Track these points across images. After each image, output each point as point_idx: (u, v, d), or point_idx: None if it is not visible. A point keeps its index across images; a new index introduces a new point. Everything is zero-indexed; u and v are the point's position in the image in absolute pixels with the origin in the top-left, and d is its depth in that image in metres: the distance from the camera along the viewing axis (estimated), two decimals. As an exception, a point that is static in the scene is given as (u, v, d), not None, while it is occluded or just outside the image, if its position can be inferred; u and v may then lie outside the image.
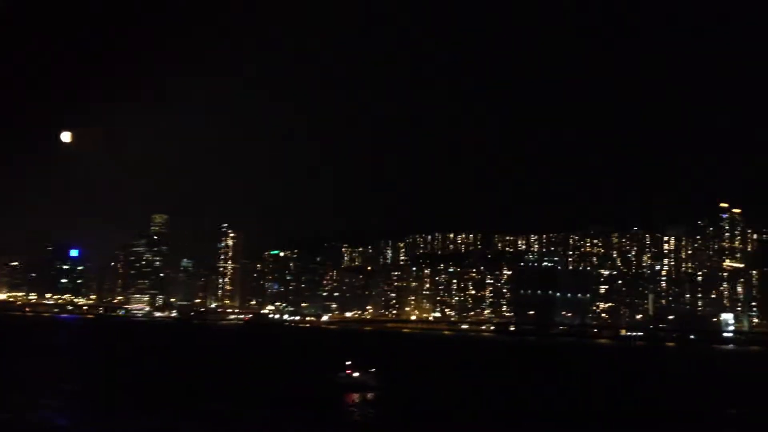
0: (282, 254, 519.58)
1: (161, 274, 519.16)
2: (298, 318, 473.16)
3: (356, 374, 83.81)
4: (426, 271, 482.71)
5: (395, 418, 64.27)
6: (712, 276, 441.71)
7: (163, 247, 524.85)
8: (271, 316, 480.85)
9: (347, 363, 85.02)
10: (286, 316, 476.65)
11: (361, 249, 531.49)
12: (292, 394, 76.95)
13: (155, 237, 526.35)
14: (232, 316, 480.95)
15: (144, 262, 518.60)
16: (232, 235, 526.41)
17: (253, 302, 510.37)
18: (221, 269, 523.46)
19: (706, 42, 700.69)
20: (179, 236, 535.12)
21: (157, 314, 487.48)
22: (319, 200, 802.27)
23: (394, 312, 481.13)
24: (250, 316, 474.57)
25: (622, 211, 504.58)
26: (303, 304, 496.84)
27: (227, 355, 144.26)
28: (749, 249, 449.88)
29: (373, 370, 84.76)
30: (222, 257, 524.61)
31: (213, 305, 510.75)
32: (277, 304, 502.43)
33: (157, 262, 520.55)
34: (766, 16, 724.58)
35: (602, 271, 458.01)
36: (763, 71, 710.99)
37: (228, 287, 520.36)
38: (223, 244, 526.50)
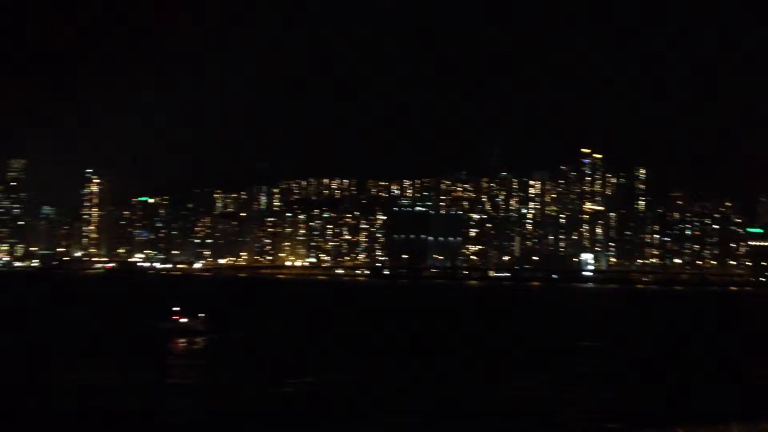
0: (151, 201, 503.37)
1: (20, 222, 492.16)
2: (169, 266, 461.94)
3: (184, 320, 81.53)
4: (301, 217, 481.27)
5: (216, 363, 63.19)
6: (574, 218, 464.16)
7: (21, 194, 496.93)
8: (140, 264, 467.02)
9: (174, 309, 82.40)
10: (156, 265, 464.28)
11: (234, 195, 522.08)
12: (108, 343, 73.98)
13: (12, 183, 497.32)
14: (99, 265, 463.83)
15: (2, 210, 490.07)
16: (97, 180, 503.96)
17: (122, 251, 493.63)
18: (86, 216, 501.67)
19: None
20: (39, 182, 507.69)
21: (17, 264, 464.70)
22: (190, 145, 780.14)
23: (269, 258, 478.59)
24: (113, 265, 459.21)
25: (493, 157, 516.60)
26: (174, 252, 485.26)
27: (60, 305, 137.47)
28: (608, 192, 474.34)
29: (203, 315, 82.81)
30: (86, 204, 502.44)
31: (78, 254, 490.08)
32: (146, 252, 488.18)
33: (16, 210, 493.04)
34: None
35: (472, 215, 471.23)
36: (628, 21, 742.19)
37: (93, 235, 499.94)
38: (87, 190, 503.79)
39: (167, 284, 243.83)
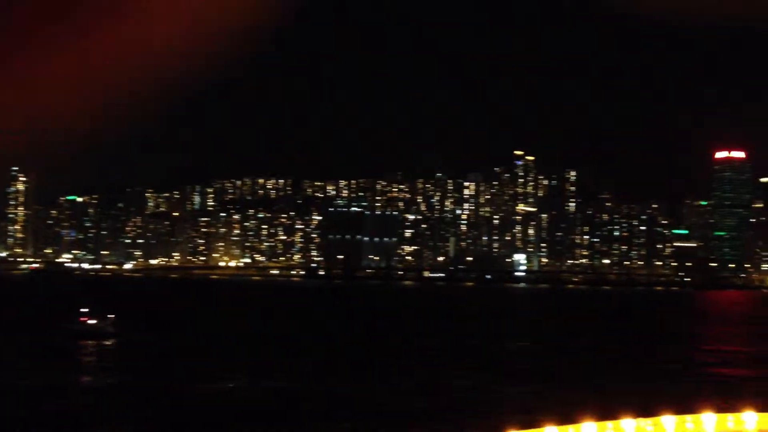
0: (80, 200, 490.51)
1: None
2: (98, 267, 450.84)
3: (92, 321, 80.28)
4: (235, 217, 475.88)
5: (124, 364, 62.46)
6: (507, 219, 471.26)
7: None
8: (68, 265, 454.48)
9: (82, 310, 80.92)
10: (84, 265, 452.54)
11: (166, 194, 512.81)
12: (11, 345, 72.28)
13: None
14: (24, 266, 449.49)
15: None
16: (23, 179, 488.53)
17: (49, 251, 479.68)
18: (11, 216, 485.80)
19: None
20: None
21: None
22: (122, 144, 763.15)
23: (202, 258, 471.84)
24: (37, 265, 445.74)
25: (428, 158, 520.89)
26: (104, 253, 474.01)
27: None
28: (540, 194, 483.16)
29: (112, 316, 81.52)
30: (12, 203, 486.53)
31: (3, 254, 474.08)
32: (74, 252, 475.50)
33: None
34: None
35: (408, 215, 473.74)
36: (555, 24, 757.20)
37: (19, 235, 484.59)
38: (13, 189, 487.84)
39: (92, 285, 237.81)
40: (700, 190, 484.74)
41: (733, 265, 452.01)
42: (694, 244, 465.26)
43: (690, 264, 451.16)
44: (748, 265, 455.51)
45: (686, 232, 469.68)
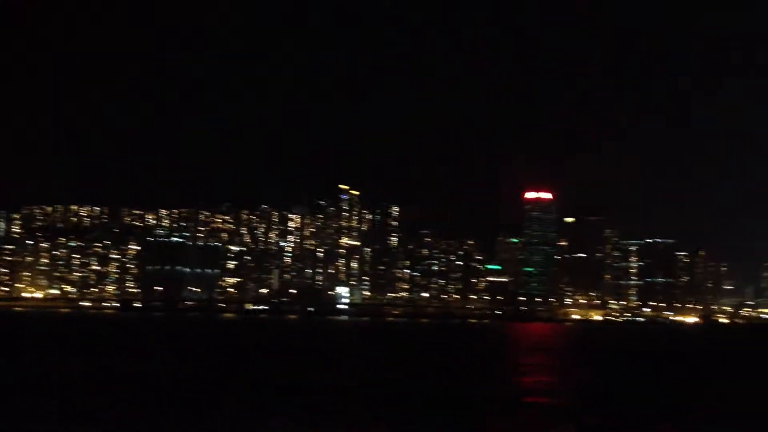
0: None
1: None
2: None
3: None
4: (43, 245, 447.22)
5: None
6: (331, 252, 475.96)
7: None
8: None
9: None
10: None
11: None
12: None
13: None
14: None
15: None
16: None
17: None
18: None
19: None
20: None
21: None
22: None
23: (5, 289, 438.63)
24: None
25: (252, 189, 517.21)
26: None
27: None
28: (364, 227, 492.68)
29: None
30: None
31: None
32: None
33: None
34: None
35: (231, 246, 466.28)
36: (376, 51, 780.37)
37: None
38: None
39: None
40: (512, 228, 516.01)
41: (540, 299, 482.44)
42: (506, 279, 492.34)
43: (501, 298, 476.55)
44: (553, 300, 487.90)
45: (499, 267, 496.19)
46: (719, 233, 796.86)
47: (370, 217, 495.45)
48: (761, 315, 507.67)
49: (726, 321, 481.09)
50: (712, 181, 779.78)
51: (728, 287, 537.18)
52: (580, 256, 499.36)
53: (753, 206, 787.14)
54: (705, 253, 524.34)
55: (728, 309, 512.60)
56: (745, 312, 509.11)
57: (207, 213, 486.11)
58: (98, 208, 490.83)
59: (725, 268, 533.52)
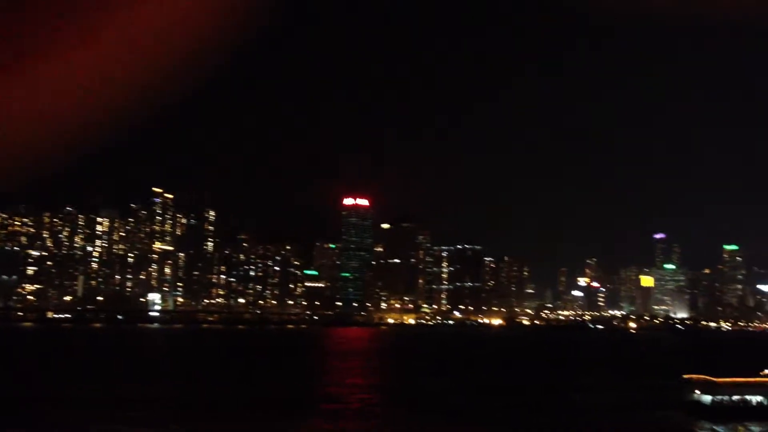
0: None
1: None
2: None
3: None
4: None
5: None
6: (143, 257, 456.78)
7: None
8: None
9: None
10: None
11: None
12: None
13: None
14: None
15: None
16: None
17: None
18: None
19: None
20: None
21: None
22: None
23: None
24: None
25: (56, 191, 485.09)
26: None
27: None
28: (178, 232, 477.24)
29: None
30: None
31: None
32: None
33: None
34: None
35: (31, 251, 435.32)
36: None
37: None
38: None
39: None
40: (330, 234, 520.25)
41: (356, 304, 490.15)
42: (323, 285, 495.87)
43: (318, 303, 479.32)
44: (369, 304, 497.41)
45: (316, 273, 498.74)
46: (523, 240, 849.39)
47: (184, 221, 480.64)
48: (559, 316, 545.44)
49: (527, 322, 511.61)
50: (517, 192, 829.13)
51: (530, 291, 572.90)
52: (394, 262, 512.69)
53: (552, 216, 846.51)
54: (509, 259, 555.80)
55: (529, 311, 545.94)
56: (544, 314, 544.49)
57: (5, 215, 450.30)
58: None
59: (527, 273, 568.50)
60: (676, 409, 70.35)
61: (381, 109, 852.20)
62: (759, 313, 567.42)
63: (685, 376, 71.71)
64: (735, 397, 67.64)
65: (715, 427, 63.24)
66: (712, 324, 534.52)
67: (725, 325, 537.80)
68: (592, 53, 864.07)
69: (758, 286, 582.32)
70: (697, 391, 68.99)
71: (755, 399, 67.65)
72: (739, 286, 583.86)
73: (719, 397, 67.71)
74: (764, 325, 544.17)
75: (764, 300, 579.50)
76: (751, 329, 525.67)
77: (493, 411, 72.09)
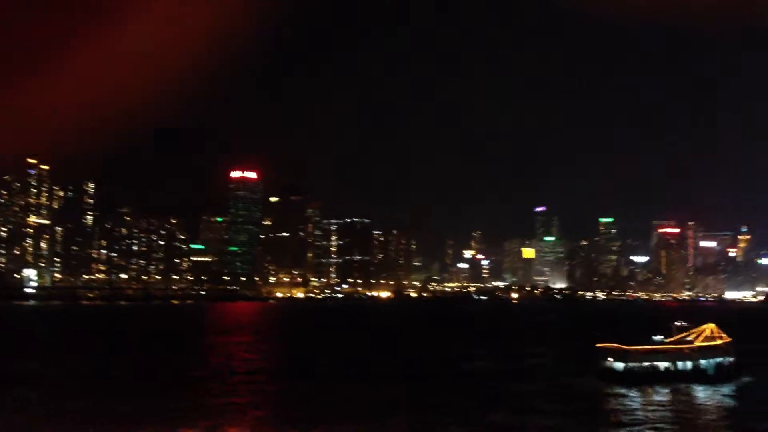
0: None
1: None
2: None
3: None
4: None
5: None
6: (17, 232, 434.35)
7: None
8: None
9: None
10: None
11: None
12: None
13: None
14: None
15: None
16: None
17: None
18: None
19: None
20: None
21: None
22: None
23: None
24: None
25: None
26: None
27: None
28: (55, 205, 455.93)
29: None
30: None
31: None
32: None
33: None
34: None
35: None
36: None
37: None
38: None
39: None
40: (217, 207, 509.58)
41: (245, 279, 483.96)
42: (210, 259, 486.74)
43: (205, 278, 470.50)
44: (258, 279, 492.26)
45: (203, 247, 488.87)
46: (410, 213, 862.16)
47: (62, 194, 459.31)
48: (446, 288, 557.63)
49: (414, 295, 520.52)
50: (404, 165, 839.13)
51: (417, 264, 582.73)
52: (283, 235, 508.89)
53: (440, 189, 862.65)
54: (397, 232, 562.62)
55: (417, 284, 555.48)
56: (431, 286, 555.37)
57: None
58: None
59: (414, 246, 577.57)
60: (589, 376, 74.16)
61: (278, 82, 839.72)
62: (632, 283, 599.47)
63: (599, 345, 75.74)
64: (645, 364, 72.11)
65: (626, 391, 67.22)
66: (588, 294, 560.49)
67: (600, 295, 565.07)
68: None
69: (631, 258, 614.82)
70: (610, 359, 73.01)
71: (663, 365, 72.50)
72: (614, 257, 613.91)
73: (631, 364, 71.93)
74: (636, 294, 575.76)
75: (637, 270, 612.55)
76: (624, 298, 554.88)
77: (387, 380, 72.84)
